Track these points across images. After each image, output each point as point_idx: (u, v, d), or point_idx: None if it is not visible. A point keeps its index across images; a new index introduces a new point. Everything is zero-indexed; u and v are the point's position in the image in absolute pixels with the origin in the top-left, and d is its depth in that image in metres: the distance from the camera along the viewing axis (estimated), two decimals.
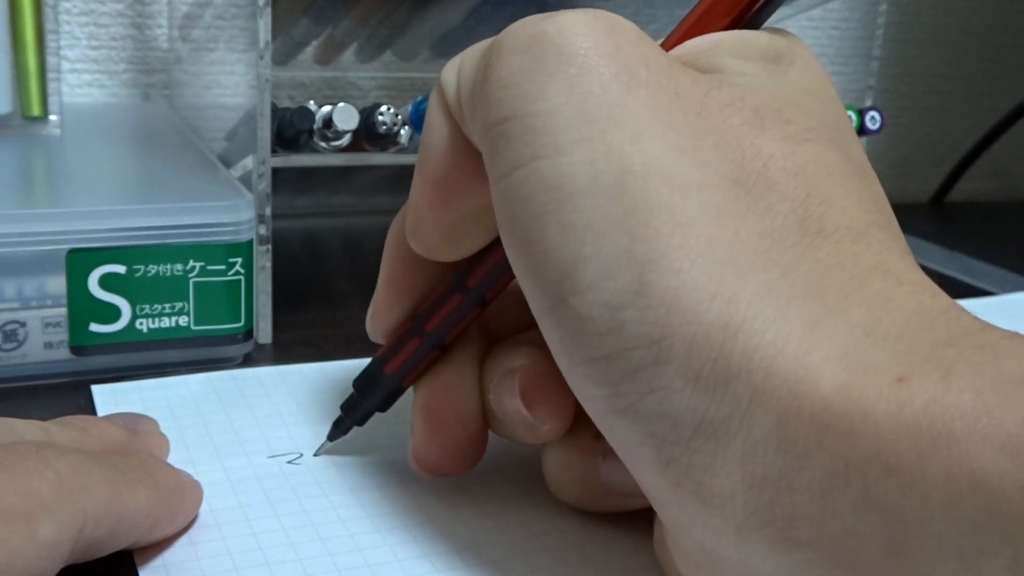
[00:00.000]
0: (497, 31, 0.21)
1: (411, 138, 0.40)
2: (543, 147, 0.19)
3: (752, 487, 0.18)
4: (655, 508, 0.20)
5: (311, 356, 0.36)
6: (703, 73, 0.21)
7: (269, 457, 0.29)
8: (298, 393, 0.33)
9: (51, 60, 0.43)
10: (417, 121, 0.40)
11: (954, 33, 0.71)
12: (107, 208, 0.33)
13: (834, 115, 0.22)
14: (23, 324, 0.32)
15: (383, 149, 0.40)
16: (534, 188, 0.19)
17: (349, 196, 0.56)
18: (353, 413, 0.28)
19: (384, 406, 0.28)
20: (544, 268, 0.19)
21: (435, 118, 0.23)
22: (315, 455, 0.29)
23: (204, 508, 0.26)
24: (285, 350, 0.37)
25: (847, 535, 0.17)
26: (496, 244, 0.24)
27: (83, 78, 0.56)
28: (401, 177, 0.53)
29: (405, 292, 0.26)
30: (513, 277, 0.24)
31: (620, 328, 0.18)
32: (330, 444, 0.29)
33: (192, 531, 0.25)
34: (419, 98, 0.40)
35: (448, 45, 0.47)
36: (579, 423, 0.24)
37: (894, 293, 0.19)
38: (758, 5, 0.22)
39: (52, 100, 0.43)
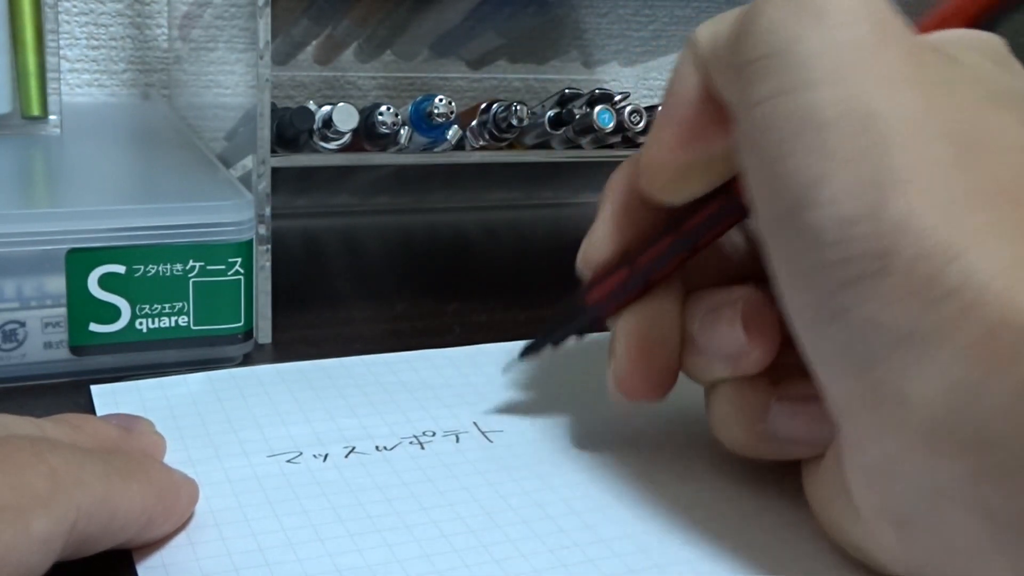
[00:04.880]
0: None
1: (411, 138, 0.40)
2: (800, 81, 0.22)
3: (949, 392, 0.20)
4: (842, 421, 0.23)
5: (311, 356, 0.36)
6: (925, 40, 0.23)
7: (269, 457, 0.29)
8: (297, 391, 0.33)
9: (51, 60, 0.43)
10: (417, 121, 0.40)
11: None
12: (107, 208, 0.33)
13: None
14: (23, 324, 0.32)
15: (383, 149, 0.40)
16: (786, 115, 0.22)
17: (349, 196, 0.56)
18: (551, 335, 0.30)
19: (582, 332, 0.30)
20: (785, 183, 0.22)
21: (685, 69, 0.25)
22: (503, 373, 0.34)
23: (203, 508, 0.26)
24: (285, 350, 0.37)
25: None
26: (715, 195, 0.27)
27: (83, 78, 0.56)
28: (401, 177, 0.53)
29: (621, 230, 0.29)
30: (725, 229, 0.27)
31: (850, 240, 0.21)
32: (521, 362, 0.32)
33: (191, 531, 0.25)
34: (419, 98, 0.40)
35: (448, 45, 0.47)
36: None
37: None
38: (994, 13, 0.25)
39: (52, 100, 0.43)
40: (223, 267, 0.34)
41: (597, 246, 0.29)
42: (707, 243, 0.28)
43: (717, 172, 0.26)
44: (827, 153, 0.21)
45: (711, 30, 0.25)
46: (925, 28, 0.25)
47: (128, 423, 0.28)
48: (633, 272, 0.28)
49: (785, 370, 0.27)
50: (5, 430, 0.23)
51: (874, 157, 0.21)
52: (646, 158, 0.27)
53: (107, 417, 0.28)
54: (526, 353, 0.31)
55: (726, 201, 0.26)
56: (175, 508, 0.24)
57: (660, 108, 0.26)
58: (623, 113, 0.43)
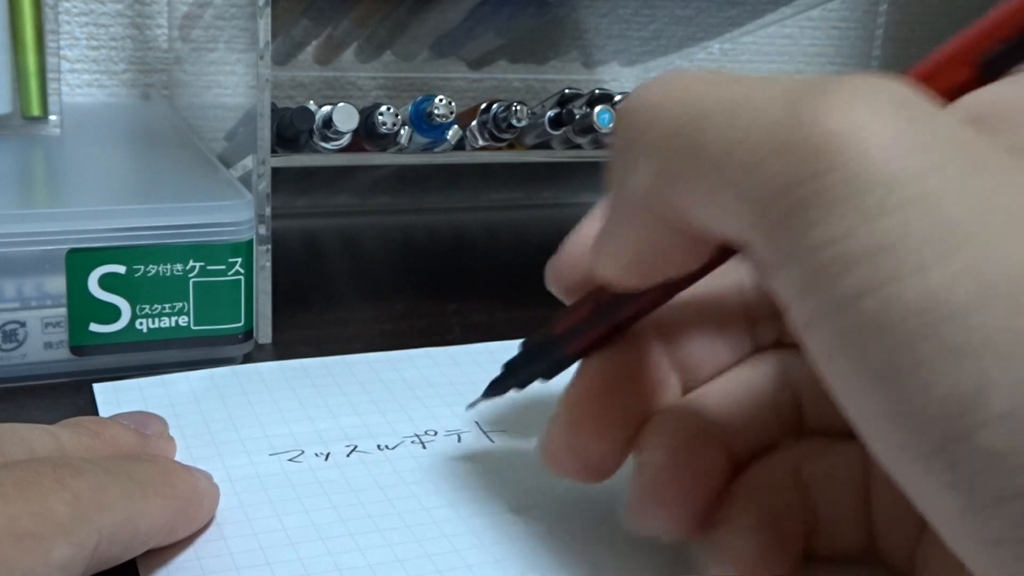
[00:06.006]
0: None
1: (411, 138, 0.40)
2: (901, 265, 0.16)
3: None
4: None
5: (311, 356, 0.36)
6: (998, 138, 0.18)
7: (270, 455, 0.29)
8: (300, 389, 0.33)
9: (51, 60, 0.43)
10: (417, 121, 0.40)
11: (954, 33, 0.71)
12: (107, 208, 0.33)
13: None
14: (23, 324, 0.32)
15: (383, 149, 0.40)
16: (900, 312, 0.16)
17: (349, 196, 0.56)
18: (516, 373, 0.27)
19: (550, 372, 0.26)
20: (928, 404, 0.16)
21: (631, 198, 0.20)
22: (466, 410, 0.29)
23: None
24: (285, 350, 0.37)
25: None
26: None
27: (83, 78, 0.56)
28: (401, 177, 0.53)
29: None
30: (713, 268, 0.22)
31: None
32: (484, 401, 0.28)
33: None
34: (419, 98, 0.40)
35: (448, 45, 0.47)
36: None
37: None
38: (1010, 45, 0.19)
39: (52, 100, 0.43)
40: (223, 267, 0.34)
41: (570, 261, 0.24)
42: (688, 284, 0.23)
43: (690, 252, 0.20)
44: (979, 348, 0.16)
45: (668, 151, 0.18)
46: (920, 76, 0.20)
47: (142, 424, 0.27)
48: (599, 305, 0.23)
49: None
50: (24, 447, 0.23)
51: None
52: (597, 254, 0.22)
53: (120, 417, 0.28)
54: (489, 393, 0.27)
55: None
56: (197, 516, 0.24)
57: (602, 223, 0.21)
58: None
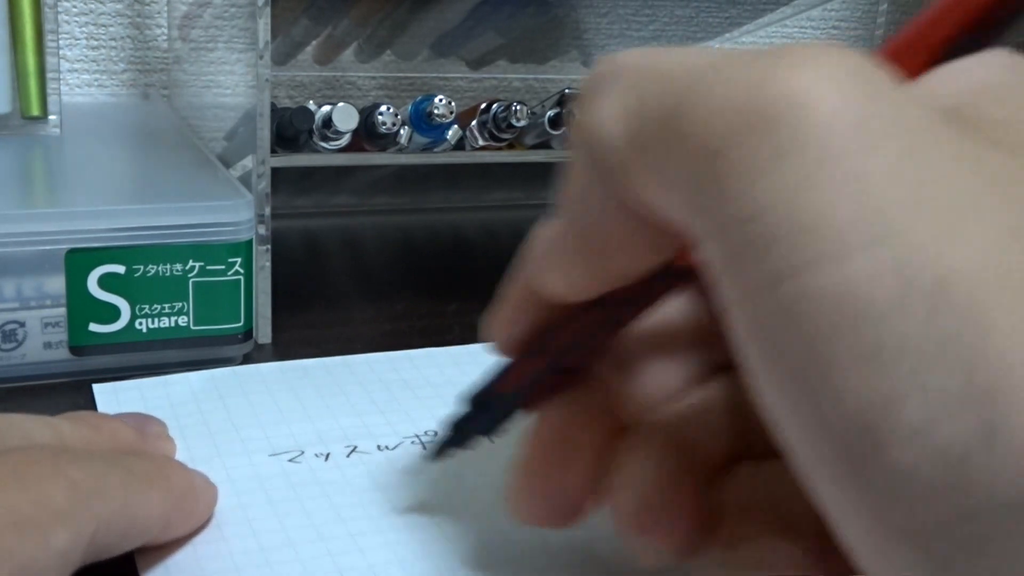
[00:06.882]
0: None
1: (410, 138, 0.40)
2: (820, 252, 0.14)
3: None
4: None
5: (311, 356, 0.36)
6: (967, 124, 0.17)
7: (270, 456, 0.29)
8: (300, 389, 0.33)
9: (50, 60, 0.43)
10: (417, 121, 0.40)
11: None
12: (106, 208, 0.33)
13: None
14: (22, 324, 0.32)
15: (383, 149, 0.40)
16: (815, 304, 0.14)
17: (349, 196, 0.56)
18: (458, 433, 0.25)
19: (491, 427, 0.24)
20: (841, 411, 0.14)
21: (584, 180, 0.19)
22: (416, 474, 0.28)
23: None
24: (285, 350, 0.37)
25: None
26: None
27: (82, 78, 0.56)
28: (401, 177, 0.53)
29: (526, 312, 0.23)
30: (658, 299, 0.21)
31: (966, 484, 0.14)
32: (432, 462, 0.26)
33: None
34: (419, 98, 0.40)
35: (448, 45, 0.47)
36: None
37: None
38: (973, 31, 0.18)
39: (51, 100, 0.43)
40: (223, 267, 0.34)
41: (503, 326, 0.23)
42: (639, 313, 0.22)
43: (636, 264, 0.19)
44: (896, 354, 0.14)
45: (623, 123, 0.17)
46: (890, 53, 0.19)
47: (141, 424, 0.27)
48: (549, 355, 0.22)
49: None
50: (23, 436, 0.23)
51: (967, 349, 0.14)
52: (540, 265, 0.21)
53: (120, 416, 0.28)
54: (436, 455, 0.26)
55: (660, 271, 0.19)
56: (193, 512, 0.24)
57: (560, 216, 0.20)
58: None
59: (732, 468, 0.22)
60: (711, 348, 0.23)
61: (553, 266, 0.20)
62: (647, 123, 0.17)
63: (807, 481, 0.16)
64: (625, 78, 0.18)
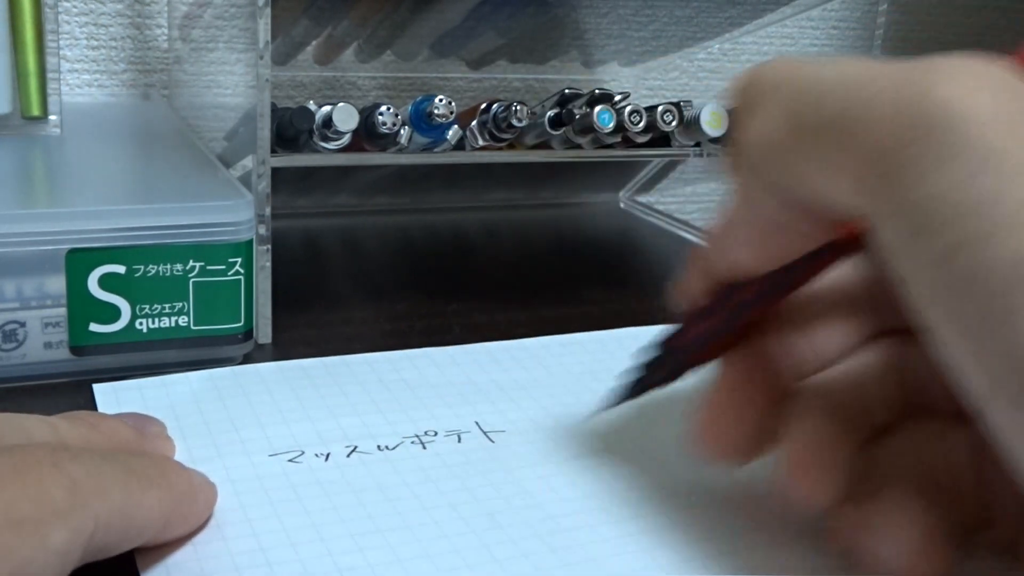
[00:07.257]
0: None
1: (410, 138, 0.40)
2: (995, 226, 0.18)
3: None
4: None
5: (311, 356, 0.36)
6: None
7: (270, 456, 0.29)
8: (300, 389, 0.33)
9: (51, 60, 0.43)
10: (417, 121, 0.40)
11: (954, 33, 0.71)
12: (107, 208, 0.33)
13: None
14: (23, 324, 0.32)
15: (383, 149, 0.40)
16: (992, 268, 0.18)
17: (349, 196, 0.56)
18: (636, 384, 0.28)
19: (667, 380, 0.28)
20: (1017, 348, 0.18)
21: (750, 183, 0.23)
22: (584, 423, 0.31)
23: None
24: (285, 350, 0.37)
25: None
26: None
27: (83, 78, 0.56)
28: (401, 177, 0.53)
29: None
30: (831, 264, 0.24)
31: None
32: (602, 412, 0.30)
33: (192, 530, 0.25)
34: (419, 98, 0.40)
35: (448, 45, 0.47)
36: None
37: None
38: None
39: (52, 100, 0.43)
40: (223, 267, 0.34)
41: (687, 289, 0.27)
42: (807, 280, 0.25)
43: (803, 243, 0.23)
44: None
45: (784, 129, 0.21)
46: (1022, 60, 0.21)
47: (141, 424, 0.27)
48: (726, 313, 0.26)
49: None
50: (23, 434, 0.23)
51: None
52: (719, 251, 0.25)
53: (118, 416, 0.28)
54: (619, 401, 0.29)
55: (820, 248, 0.24)
56: (192, 512, 0.24)
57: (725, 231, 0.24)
58: (623, 113, 0.43)
59: (885, 433, 0.25)
60: (869, 317, 0.26)
61: (730, 247, 0.24)
62: (809, 127, 0.21)
63: (984, 413, 0.19)
64: (779, 91, 0.22)
